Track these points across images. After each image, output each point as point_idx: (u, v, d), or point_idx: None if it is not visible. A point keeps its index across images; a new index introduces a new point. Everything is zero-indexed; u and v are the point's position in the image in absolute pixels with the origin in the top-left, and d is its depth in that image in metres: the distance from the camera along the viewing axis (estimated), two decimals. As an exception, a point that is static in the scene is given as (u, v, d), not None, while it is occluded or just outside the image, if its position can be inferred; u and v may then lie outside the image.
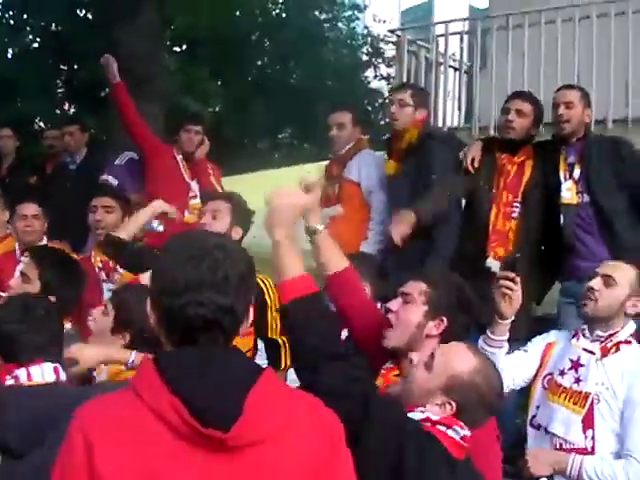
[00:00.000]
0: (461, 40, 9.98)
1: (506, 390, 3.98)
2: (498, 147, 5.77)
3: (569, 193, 5.50)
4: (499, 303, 3.62)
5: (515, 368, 4.09)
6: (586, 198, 5.46)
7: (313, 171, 9.32)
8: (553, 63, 8.36)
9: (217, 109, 12.93)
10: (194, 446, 1.99)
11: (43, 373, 3.16)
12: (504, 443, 5.68)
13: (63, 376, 3.22)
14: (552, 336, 4.23)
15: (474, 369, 2.86)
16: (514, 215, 5.57)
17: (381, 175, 6.12)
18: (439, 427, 2.74)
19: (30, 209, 6.02)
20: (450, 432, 2.74)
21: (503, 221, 5.58)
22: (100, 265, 5.22)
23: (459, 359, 2.90)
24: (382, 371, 3.39)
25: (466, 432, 2.76)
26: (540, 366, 4.09)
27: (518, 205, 5.58)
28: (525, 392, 5.75)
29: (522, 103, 5.70)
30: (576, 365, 4.05)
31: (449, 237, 5.73)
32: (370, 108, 20.80)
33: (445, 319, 3.32)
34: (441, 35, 9.64)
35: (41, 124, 14.44)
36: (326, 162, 6.78)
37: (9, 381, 3.12)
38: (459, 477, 2.68)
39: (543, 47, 8.58)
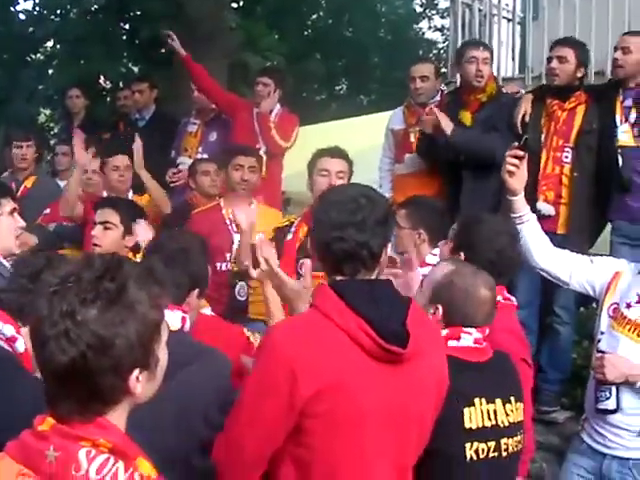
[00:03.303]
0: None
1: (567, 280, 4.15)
2: (550, 94, 5.99)
3: (626, 136, 5.69)
4: (508, 181, 3.99)
5: (575, 267, 4.15)
6: None
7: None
8: (604, 13, 8.48)
9: (276, 63, 13.09)
10: (376, 360, 2.47)
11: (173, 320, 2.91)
12: (559, 376, 5.95)
13: (187, 326, 3.10)
14: (621, 265, 4.14)
15: (450, 272, 3.21)
16: (565, 160, 5.77)
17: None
18: (450, 343, 3.05)
19: (122, 161, 6.40)
20: (462, 342, 3.08)
21: (553, 165, 5.80)
22: (231, 217, 5.48)
23: (437, 269, 3.32)
24: None
25: (476, 334, 3.09)
26: (606, 292, 4.03)
27: (569, 150, 5.77)
28: (579, 328, 6.00)
29: (563, 49, 5.90)
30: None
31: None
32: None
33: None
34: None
35: (105, 83, 14.81)
36: (394, 111, 7.13)
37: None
38: (481, 376, 3.06)
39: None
